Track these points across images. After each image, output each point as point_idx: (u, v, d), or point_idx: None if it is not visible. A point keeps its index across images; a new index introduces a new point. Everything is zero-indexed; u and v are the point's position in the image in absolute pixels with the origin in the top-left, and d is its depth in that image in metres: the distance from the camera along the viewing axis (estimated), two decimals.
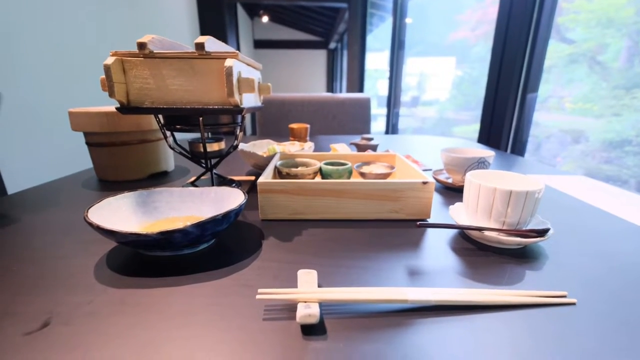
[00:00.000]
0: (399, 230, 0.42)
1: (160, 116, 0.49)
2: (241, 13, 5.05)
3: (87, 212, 0.34)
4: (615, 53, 1.27)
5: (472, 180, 0.38)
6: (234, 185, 0.56)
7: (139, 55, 0.42)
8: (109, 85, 0.42)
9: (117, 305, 0.27)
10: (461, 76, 3.12)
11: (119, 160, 0.62)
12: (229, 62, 0.42)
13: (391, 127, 2.77)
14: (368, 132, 1.57)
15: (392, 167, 0.58)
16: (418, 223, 0.35)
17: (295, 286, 0.29)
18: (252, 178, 0.63)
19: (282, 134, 1.37)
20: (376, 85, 4.43)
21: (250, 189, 0.59)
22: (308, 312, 0.23)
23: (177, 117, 0.48)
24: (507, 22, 1.09)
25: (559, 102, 1.44)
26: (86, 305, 0.27)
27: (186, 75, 0.43)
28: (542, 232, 0.35)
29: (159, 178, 0.66)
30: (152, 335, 0.24)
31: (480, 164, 0.56)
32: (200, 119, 0.46)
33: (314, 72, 7.54)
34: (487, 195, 0.36)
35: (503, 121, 1.13)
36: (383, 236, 0.40)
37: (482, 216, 0.37)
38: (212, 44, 0.44)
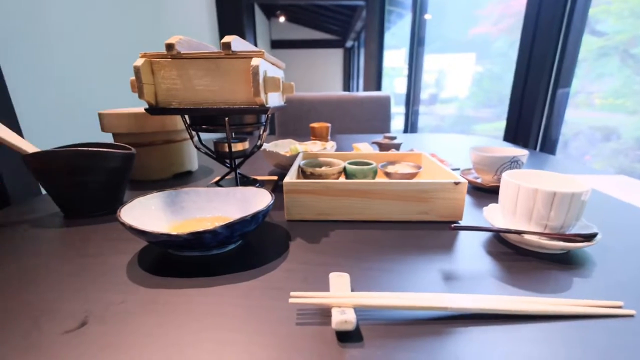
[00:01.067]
0: (430, 232, 0.40)
1: (187, 116, 0.49)
2: (258, 13, 5.11)
3: (120, 211, 0.34)
4: None
5: (510, 181, 0.36)
6: (257, 185, 0.56)
7: (167, 56, 0.43)
8: (138, 86, 0.42)
9: (150, 304, 0.28)
10: (482, 72, 3.02)
11: (145, 160, 0.64)
12: (255, 62, 0.41)
13: (410, 126, 2.72)
14: (388, 130, 1.54)
15: (419, 167, 0.56)
16: (452, 225, 0.34)
17: (327, 289, 0.28)
18: (275, 178, 0.63)
19: (301, 133, 1.37)
20: (393, 83, 4.36)
21: (274, 188, 0.59)
22: (344, 319, 0.22)
23: (203, 118, 0.49)
24: (537, 13, 1.04)
25: (588, 97, 1.37)
26: (120, 304, 0.28)
27: (213, 75, 0.43)
28: (589, 237, 0.33)
29: (184, 178, 0.67)
30: (183, 337, 0.24)
31: (513, 163, 0.53)
32: (226, 119, 0.46)
33: (331, 70, 7.53)
34: (527, 197, 0.34)
35: (532, 118, 1.08)
36: (413, 238, 0.39)
37: (522, 219, 0.35)
38: (238, 44, 0.44)
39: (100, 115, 0.61)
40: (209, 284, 0.30)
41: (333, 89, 7.45)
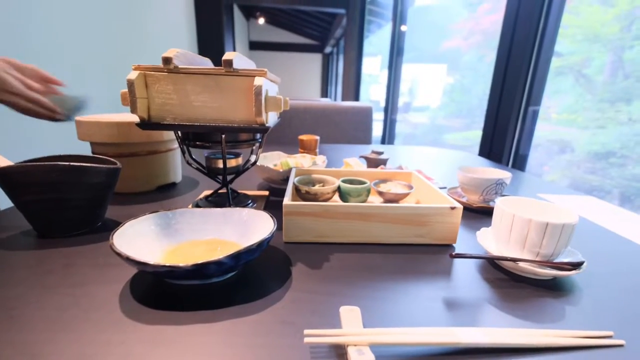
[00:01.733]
0: (427, 256, 0.41)
1: (179, 132, 0.47)
2: (237, 14, 5.02)
3: (112, 239, 0.32)
4: (600, 67, 1.32)
5: (505, 210, 0.38)
6: (249, 202, 0.55)
7: (164, 70, 0.41)
8: (131, 100, 0.40)
9: (152, 345, 0.26)
10: (452, 84, 3.17)
11: (127, 172, 0.60)
12: (258, 81, 0.40)
13: (388, 135, 2.79)
14: (369, 140, 1.57)
15: (410, 186, 0.57)
16: (453, 254, 0.35)
17: (336, 322, 0.28)
18: (266, 193, 0.62)
19: (285, 142, 1.36)
20: (369, 90, 4.46)
21: (266, 205, 0.58)
22: None
23: (196, 134, 0.47)
24: (512, 34, 1.11)
25: (546, 112, 1.48)
26: (119, 345, 0.26)
27: (211, 92, 0.42)
28: (576, 265, 0.35)
29: (168, 190, 0.64)
30: None
31: (499, 185, 0.56)
32: (223, 136, 0.45)
33: (309, 75, 7.55)
34: (521, 226, 0.36)
35: (505, 134, 1.15)
36: (412, 263, 0.40)
37: (515, 246, 0.37)
38: (239, 61, 0.43)
39: (78, 122, 0.57)
40: (214, 318, 0.29)
41: (311, 93, 7.48)
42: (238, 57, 0.42)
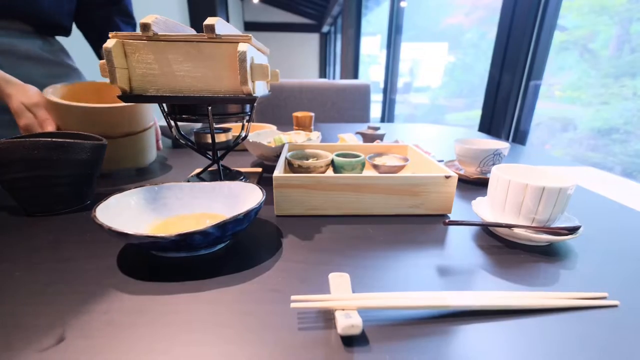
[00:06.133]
0: (421, 226, 0.41)
1: (165, 105, 0.46)
2: None
3: (95, 211, 0.31)
4: (606, 41, 1.27)
5: (501, 176, 0.36)
6: (242, 178, 0.54)
7: (142, 38, 0.39)
8: (110, 70, 0.38)
9: (136, 314, 0.25)
10: (454, 62, 3.09)
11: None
12: (242, 47, 0.38)
13: (387, 115, 2.74)
14: (367, 119, 1.55)
15: (406, 159, 0.56)
16: (447, 221, 0.34)
17: (325, 289, 0.28)
18: (260, 170, 0.61)
19: (281, 122, 1.33)
20: (368, 71, 4.36)
21: (259, 181, 0.57)
22: (350, 323, 0.22)
23: (183, 107, 0.45)
24: (514, 7, 1.07)
25: (548, 89, 1.44)
26: (102, 315, 0.25)
27: (194, 61, 0.40)
28: (573, 230, 0.34)
29: (157, 169, 0.63)
30: (176, 350, 0.22)
31: (496, 156, 0.55)
32: (209, 108, 0.43)
33: (307, 56, 7.38)
34: (516, 192, 0.35)
35: (505, 110, 1.12)
36: (406, 233, 0.39)
37: (511, 212, 0.36)
38: (222, 27, 0.40)
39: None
40: (200, 288, 0.28)
41: (309, 75, 7.33)
42: (221, 23, 0.40)
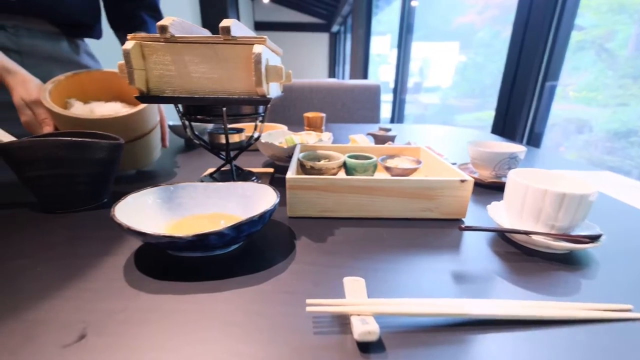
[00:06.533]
0: (435, 230, 0.40)
1: (180, 105, 0.46)
2: None
3: (114, 210, 0.31)
4: (624, 40, 1.24)
5: (518, 181, 0.36)
6: (254, 178, 0.54)
7: (160, 40, 0.39)
8: (128, 71, 0.39)
9: (153, 313, 0.26)
10: (465, 62, 3.05)
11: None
12: (257, 49, 0.38)
13: (397, 115, 2.72)
14: (377, 120, 1.54)
15: (419, 161, 0.55)
16: (463, 226, 0.33)
17: (340, 293, 0.28)
18: (271, 170, 0.61)
19: (291, 122, 1.34)
20: (378, 71, 4.33)
21: (270, 181, 0.57)
22: (367, 329, 0.22)
23: (198, 107, 0.46)
24: (530, 6, 1.04)
25: (563, 90, 1.41)
26: (120, 313, 0.26)
27: (210, 62, 0.40)
28: (594, 238, 0.33)
29: (168, 168, 0.64)
30: (194, 348, 0.22)
31: (512, 160, 0.54)
32: (224, 109, 0.44)
33: (316, 56, 7.38)
34: (535, 198, 0.34)
35: (520, 111, 1.10)
36: (419, 237, 0.39)
37: (529, 218, 0.35)
38: (237, 28, 0.41)
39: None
40: (217, 288, 0.29)
41: (318, 75, 7.33)
42: (236, 25, 0.40)
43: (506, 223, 0.38)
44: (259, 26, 6.77)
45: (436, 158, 0.53)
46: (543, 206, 0.34)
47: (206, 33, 0.50)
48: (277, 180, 0.58)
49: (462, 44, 2.97)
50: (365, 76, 3.66)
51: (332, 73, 7.34)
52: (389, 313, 0.24)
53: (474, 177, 0.58)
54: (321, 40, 7.33)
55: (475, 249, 0.36)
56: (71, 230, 0.39)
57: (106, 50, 0.80)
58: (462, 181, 0.41)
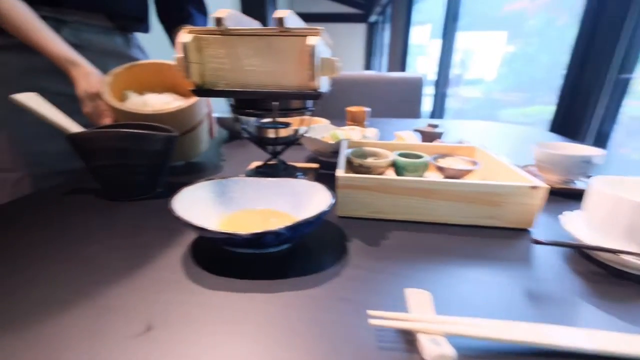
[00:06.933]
0: (498, 240, 0.37)
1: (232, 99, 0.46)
2: None
3: (173, 203, 0.32)
4: None
5: (604, 192, 0.31)
6: (299, 174, 0.53)
7: (215, 32, 0.39)
8: (185, 65, 0.39)
9: (213, 309, 0.26)
10: (513, 52, 2.82)
11: None
12: (311, 41, 0.37)
13: (437, 109, 2.60)
14: (419, 114, 1.47)
15: (475, 162, 0.51)
16: (537, 240, 0.30)
17: (400, 304, 0.26)
18: (316, 166, 0.60)
19: (330, 115, 1.32)
20: (415, 62, 4.14)
21: (316, 178, 0.56)
22: (441, 352, 0.20)
23: (248, 101, 0.45)
24: None
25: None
26: (180, 306, 0.26)
27: (263, 55, 0.39)
28: None
29: (211, 161, 0.65)
30: (256, 352, 0.22)
31: (586, 164, 0.48)
32: (276, 103, 0.43)
33: (352, 47, 7.23)
34: (629, 212, 0.29)
35: (586, 107, 0.99)
36: (482, 246, 0.35)
37: (619, 235, 0.31)
38: (292, 19, 0.39)
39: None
40: (271, 288, 0.28)
41: (354, 67, 7.19)
42: (291, 16, 0.39)
43: (587, 238, 0.33)
44: None
45: (495, 159, 0.49)
46: (637, 222, 0.29)
47: (256, 24, 0.49)
48: (321, 177, 0.57)
49: (510, 33, 2.76)
50: (403, 68, 3.52)
51: (367, 65, 7.17)
52: (462, 334, 0.22)
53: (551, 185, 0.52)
54: (358, 31, 7.16)
55: (549, 265, 0.32)
56: (131, 218, 0.41)
57: (153, 43, 0.82)
58: (533, 187, 0.37)
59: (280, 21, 0.38)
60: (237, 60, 0.40)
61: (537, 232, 0.39)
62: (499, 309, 0.26)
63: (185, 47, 0.38)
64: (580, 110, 1.00)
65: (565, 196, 0.49)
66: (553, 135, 1.00)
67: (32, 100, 0.44)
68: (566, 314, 0.26)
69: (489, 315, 0.25)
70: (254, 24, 0.48)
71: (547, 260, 0.33)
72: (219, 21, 0.38)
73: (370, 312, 0.23)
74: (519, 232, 0.39)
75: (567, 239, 0.34)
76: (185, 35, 0.39)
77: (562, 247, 0.35)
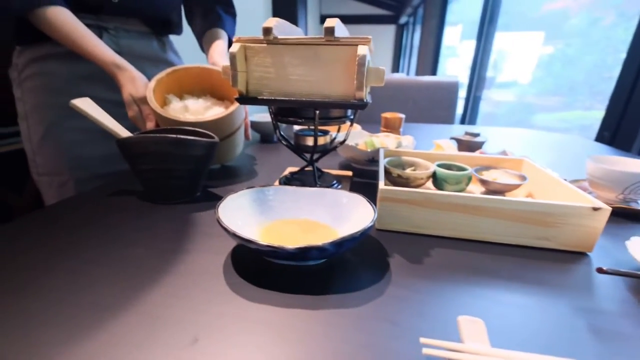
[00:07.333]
0: (552, 264, 0.34)
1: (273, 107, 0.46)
2: None
3: (218, 212, 0.32)
4: None
5: None
6: (334, 183, 0.52)
7: (263, 42, 0.39)
8: (232, 74, 0.40)
9: (257, 324, 0.26)
10: (551, 54, 2.66)
11: None
12: (362, 50, 0.36)
13: (469, 114, 2.50)
14: (452, 120, 1.42)
15: (523, 177, 0.48)
16: (604, 269, 0.27)
17: (450, 330, 0.24)
18: (350, 174, 0.59)
19: (359, 119, 1.30)
20: (445, 64, 4.01)
21: (350, 186, 0.55)
22: None
23: (290, 109, 0.45)
24: None
25: None
26: (222, 317, 0.26)
27: (309, 64, 0.39)
28: None
29: (241, 166, 0.66)
30: None
31: None
32: (317, 112, 0.42)
33: (381, 49, 7.14)
34: None
35: None
36: (533, 270, 0.33)
37: None
38: (339, 29, 0.39)
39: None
40: (312, 305, 0.28)
41: None
42: (339, 25, 0.38)
43: None
44: (325, 20, 6.77)
45: (546, 174, 0.46)
46: None
47: (300, 32, 0.49)
48: (356, 185, 0.56)
49: (548, 34, 2.60)
50: (434, 70, 3.43)
51: (395, 67, 7.05)
52: None
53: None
54: (387, 32, 7.06)
55: (614, 296, 0.29)
56: (173, 222, 0.42)
57: (184, 45, 0.84)
58: (596, 209, 0.34)
59: (330, 30, 0.37)
60: (282, 69, 0.40)
61: (597, 256, 0.36)
62: (560, 343, 0.24)
63: (233, 57, 0.39)
64: (634, 119, 0.92)
65: (622, 216, 0.45)
66: (599, 145, 0.93)
67: (87, 105, 0.47)
68: (636, 355, 0.23)
69: (549, 350, 0.23)
70: (298, 32, 0.48)
71: (611, 290, 0.30)
72: (267, 31, 0.39)
73: (423, 340, 0.22)
74: (575, 256, 0.36)
75: (631, 265, 0.31)
76: (233, 45, 0.39)
77: (626, 277, 0.32)
